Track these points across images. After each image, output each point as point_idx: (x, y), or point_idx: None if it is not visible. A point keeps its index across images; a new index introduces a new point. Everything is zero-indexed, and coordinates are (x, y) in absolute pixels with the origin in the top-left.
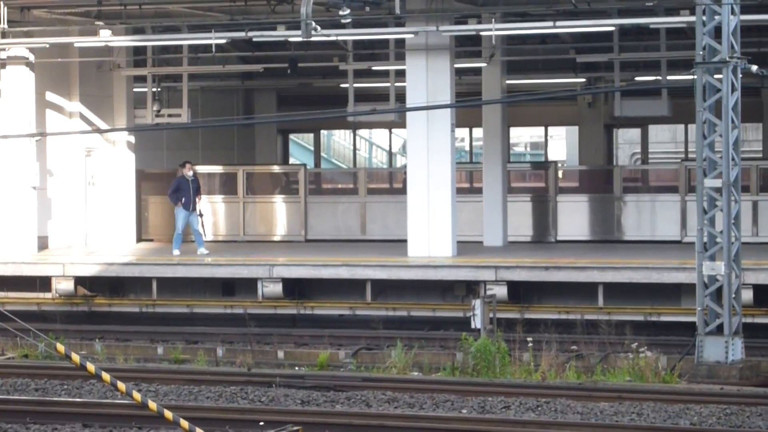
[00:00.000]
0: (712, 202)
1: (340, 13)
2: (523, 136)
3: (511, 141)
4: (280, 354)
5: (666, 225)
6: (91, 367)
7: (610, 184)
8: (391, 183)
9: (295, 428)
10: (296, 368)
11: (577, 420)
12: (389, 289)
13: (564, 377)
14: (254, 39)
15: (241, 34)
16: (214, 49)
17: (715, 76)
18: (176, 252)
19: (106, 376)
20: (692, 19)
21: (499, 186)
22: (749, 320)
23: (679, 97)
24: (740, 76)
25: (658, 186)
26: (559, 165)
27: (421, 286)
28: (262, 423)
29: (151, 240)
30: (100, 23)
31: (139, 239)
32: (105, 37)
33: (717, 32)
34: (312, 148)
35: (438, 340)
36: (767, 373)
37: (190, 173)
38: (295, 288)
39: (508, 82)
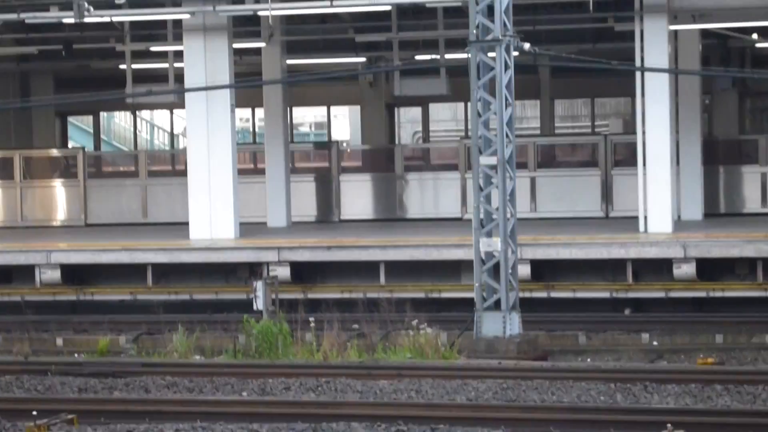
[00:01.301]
0: (488, 180)
1: None
2: (307, 117)
3: (296, 121)
4: (59, 341)
5: (448, 203)
6: None
7: (392, 163)
8: (174, 165)
9: (70, 416)
10: (75, 355)
11: (356, 399)
12: (171, 273)
13: (346, 356)
14: (27, 21)
15: (13, 16)
16: None
17: (489, 55)
18: None
19: None
20: None
21: (282, 166)
22: (527, 295)
23: (457, 75)
24: (514, 54)
25: (439, 164)
26: (343, 145)
27: (203, 270)
28: (35, 412)
29: None
30: None
31: None
32: None
33: (490, 11)
34: (92, 131)
35: (221, 323)
36: (544, 346)
37: None
38: (74, 274)
39: (289, 62)
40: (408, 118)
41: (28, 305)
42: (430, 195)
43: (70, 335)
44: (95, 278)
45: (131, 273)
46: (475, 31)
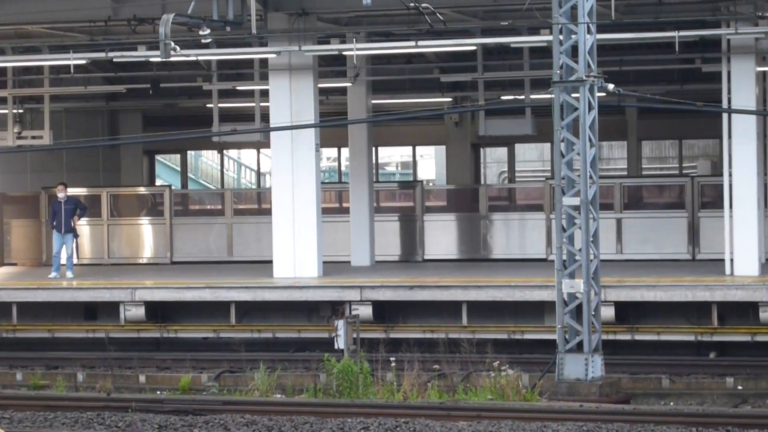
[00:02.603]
0: (571, 220)
1: (200, 33)
2: (394, 156)
3: (382, 161)
4: (142, 378)
5: (533, 243)
6: None
7: (477, 202)
8: (259, 203)
9: None
10: (158, 392)
11: None
12: (254, 311)
13: (426, 397)
14: (114, 59)
15: (101, 55)
16: (72, 70)
17: (573, 95)
18: (52, 275)
19: None
20: (551, 38)
21: (366, 205)
22: (611, 337)
23: (543, 115)
24: (599, 94)
25: (525, 204)
26: (429, 184)
27: (286, 308)
28: None
29: (15, 264)
30: None
31: (1, 263)
32: None
33: (575, 52)
34: (179, 169)
35: (302, 361)
36: (627, 389)
37: (61, 195)
38: (158, 311)
39: (374, 101)
40: (494, 158)
41: (111, 342)
42: (515, 235)
43: (153, 372)
44: (179, 315)
45: (214, 310)
46: (558, 72)
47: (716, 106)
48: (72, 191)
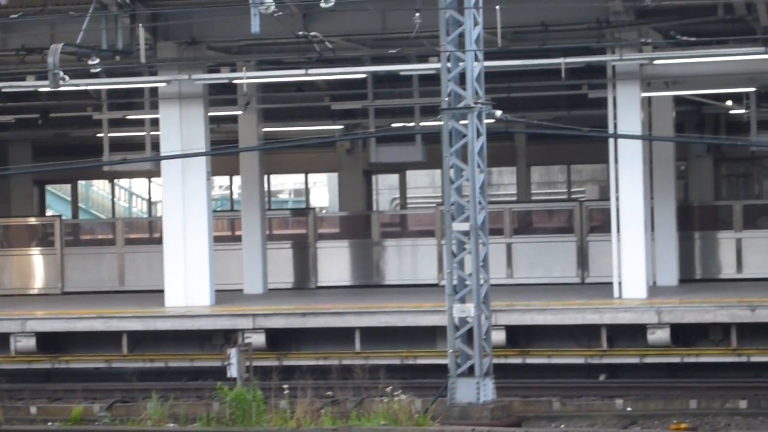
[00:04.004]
0: (461, 246)
1: (90, 62)
2: (287, 184)
3: (275, 188)
4: (33, 410)
5: (425, 269)
6: None
7: (369, 229)
8: (151, 233)
9: None
10: (49, 423)
11: None
12: (146, 340)
13: (319, 423)
14: (3, 89)
15: None
16: None
17: (462, 122)
18: None
19: None
20: (440, 65)
21: (258, 233)
22: (502, 361)
23: (434, 142)
24: (488, 121)
25: (416, 230)
26: (322, 211)
27: (178, 337)
28: None
29: None
30: None
31: None
32: None
33: (463, 79)
34: (70, 199)
35: (195, 390)
36: (518, 413)
37: None
38: (49, 342)
39: (265, 129)
40: (386, 185)
41: (2, 373)
42: (408, 261)
43: (44, 403)
44: (70, 346)
45: (106, 340)
46: (447, 99)
47: (603, 132)
48: None
